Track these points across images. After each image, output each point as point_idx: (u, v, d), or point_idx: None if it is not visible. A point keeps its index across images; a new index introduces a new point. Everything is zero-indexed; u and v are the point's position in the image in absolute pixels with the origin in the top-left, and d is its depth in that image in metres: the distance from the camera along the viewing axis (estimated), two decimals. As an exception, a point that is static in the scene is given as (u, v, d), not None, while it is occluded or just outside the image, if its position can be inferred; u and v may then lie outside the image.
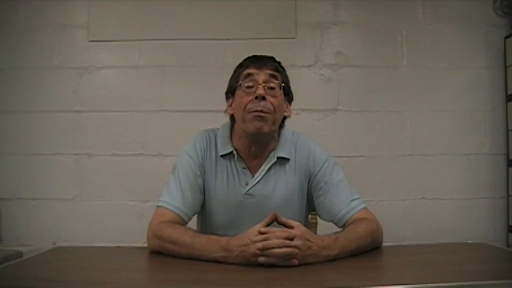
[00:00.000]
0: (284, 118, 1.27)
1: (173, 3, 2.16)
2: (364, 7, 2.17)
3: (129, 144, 2.11)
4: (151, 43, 2.15)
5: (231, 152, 1.23)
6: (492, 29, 2.17)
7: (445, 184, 2.12)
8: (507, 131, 2.11)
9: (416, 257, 1.07)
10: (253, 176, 1.23)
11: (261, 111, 1.15)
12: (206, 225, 1.28)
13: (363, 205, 1.23)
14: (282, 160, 1.24)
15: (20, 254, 1.74)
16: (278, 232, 0.97)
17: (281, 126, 1.27)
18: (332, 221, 1.24)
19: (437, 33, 2.17)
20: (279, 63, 1.27)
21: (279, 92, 1.21)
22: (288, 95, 1.26)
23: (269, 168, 1.23)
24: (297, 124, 2.08)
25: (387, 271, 0.92)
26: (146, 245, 1.16)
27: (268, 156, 1.24)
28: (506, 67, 2.12)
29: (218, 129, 1.31)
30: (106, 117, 2.12)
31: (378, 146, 2.13)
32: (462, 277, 0.85)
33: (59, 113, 2.12)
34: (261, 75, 1.19)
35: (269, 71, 1.20)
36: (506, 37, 2.11)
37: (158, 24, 2.15)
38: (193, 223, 1.27)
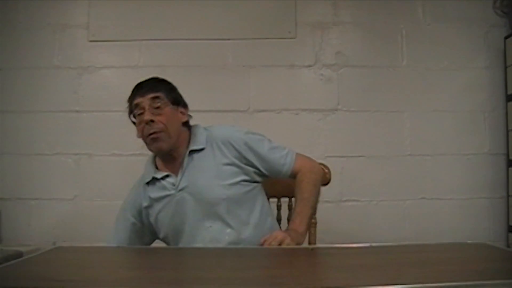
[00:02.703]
0: (186, 122, 1.42)
1: (173, 3, 2.16)
2: (364, 7, 2.17)
3: (129, 144, 2.10)
4: (151, 43, 2.15)
5: (153, 177, 1.38)
6: (492, 29, 2.17)
7: (445, 184, 2.12)
8: (507, 131, 2.11)
9: (416, 256, 1.06)
10: (176, 177, 1.36)
11: (154, 132, 1.31)
12: (168, 241, 1.41)
13: (294, 155, 1.42)
14: (196, 152, 1.37)
15: (20, 254, 1.73)
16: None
17: (189, 127, 1.43)
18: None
19: (437, 33, 2.17)
20: (161, 80, 1.41)
21: (166, 108, 1.35)
22: (178, 103, 1.40)
23: (187, 163, 1.35)
24: (297, 124, 2.11)
25: (387, 271, 0.92)
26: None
27: (183, 155, 1.37)
28: (506, 67, 2.12)
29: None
30: (106, 117, 2.12)
31: (378, 146, 2.13)
32: (462, 277, 0.85)
33: (59, 113, 2.12)
34: (145, 101, 1.33)
35: (151, 95, 1.34)
36: (506, 37, 2.11)
37: (158, 24, 2.15)
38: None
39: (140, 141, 2.11)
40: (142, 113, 1.33)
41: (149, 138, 1.33)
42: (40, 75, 2.14)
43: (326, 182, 1.56)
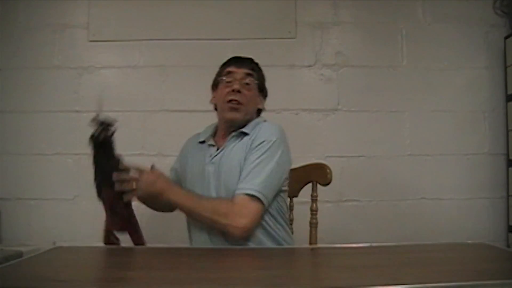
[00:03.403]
0: (260, 111, 1.48)
1: (173, 3, 2.15)
2: (364, 7, 2.17)
3: (129, 144, 2.10)
4: (151, 43, 2.15)
5: (203, 140, 1.47)
6: (492, 29, 2.17)
7: (445, 184, 2.12)
8: (507, 131, 2.11)
9: (416, 256, 1.07)
10: (218, 148, 1.41)
11: (236, 101, 1.37)
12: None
13: (248, 192, 1.24)
14: (241, 134, 1.39)
15: (20, 254, 1.73)
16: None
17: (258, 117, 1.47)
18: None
19: (437, 33, 2.17)
20: (256, 64, 1.48)
21: (254, 87, 1.42)
22: (262, 91, 1.47)
23: (229, 141, 1.40)
24: (297, 124, 2.11)
25: (387, 271, 0.92)
26: (145, 245, 1.17)
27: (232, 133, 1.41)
28: (506, 67, 2.12)
29: None
30: (106, 117, 2.12)
31: (378, 146, 2.13)
32: (462, 277, 0.85)
33: (59, 113, 2.12)
34: (239, 73, 1.42)
35: (246, 70, 1.42)
36: (506, 37, 2.11)
37: (158, 24, 2.15)
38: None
39: (140, 141, 2.13)
40: (231, 81, 1.40)
41: (230, 104, 1.38)
42: (40, 75, 2.14)
43: (326, 182, 1.56)
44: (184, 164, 1.50)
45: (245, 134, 1.39)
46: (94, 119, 1.25)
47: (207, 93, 2.09)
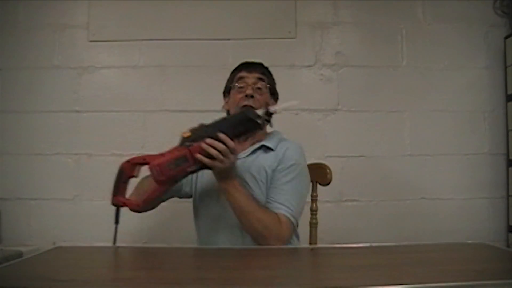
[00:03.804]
0: (271, 114, 1.41)
1: (173, 3, 2.16)
2: (364, 7, 2.17)
3: (129, 144, 2.11)
4: (151, 43, 2.15)
5: None
6: (492, 29, 2.17)
7: (445, 184, 2.12)
8: (507, 131, 2.11)
9: (416, 256, 1.06)
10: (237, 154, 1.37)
11: (250, 106, 1.35)
12: (196, 208, 1.44)
13: (290, 214, 1.30)
14: (264, 147, 1.41)
15: (20, 254, 1.73)
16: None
17: (268, 121, 1.41)
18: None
19: (437, 33, 2.17)
20: (267, 68, 1.51)
21: (266, 91, 1.45)
22: (273, 95, 1.50)
23: (253, 152, 1.41)
24: (297, 124, 2.11)
25: (387, 271, 0.92)
26: (146, 245, 1.17)
27: (253, 144, 1.42)
28: (506, 67, 2.12)
29: None
30: (106, 117, 2.12)
31: (378, 146, 2.13)
32: (462, 276, 0.85)
33: (59, 113, 2.12)
34: (251, 78, 1.43)
35: (257, 75, 1.45)
36: (506, 37, 2.11)
37: (158, 24, 2.15)
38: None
39: (140, 141, 2.13)
40: (243, 87, 1.42)
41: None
42: (40, 75, 2.14)
43: (326, 182, 1.57)
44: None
45: (269, 148, 1.41)
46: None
47: (207, 93, 2.11)
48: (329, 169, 1.59)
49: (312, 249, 1.22)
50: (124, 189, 1.26)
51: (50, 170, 2.10)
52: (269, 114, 1.24)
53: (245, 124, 1.20)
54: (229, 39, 2.14)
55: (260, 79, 1.44)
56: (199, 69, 2.14)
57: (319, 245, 1.51)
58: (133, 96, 2.13)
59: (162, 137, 2.10)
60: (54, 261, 1.05)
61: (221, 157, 1.17)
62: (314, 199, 1.59)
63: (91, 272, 0.93)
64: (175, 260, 1.11)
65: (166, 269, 0.99)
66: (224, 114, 1.48)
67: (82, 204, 2.09)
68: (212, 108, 2.05)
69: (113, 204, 1.27)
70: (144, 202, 1.25)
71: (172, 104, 2.13)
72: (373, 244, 1.20)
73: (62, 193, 2.09)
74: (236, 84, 1.44)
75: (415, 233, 2.06)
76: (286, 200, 1.31)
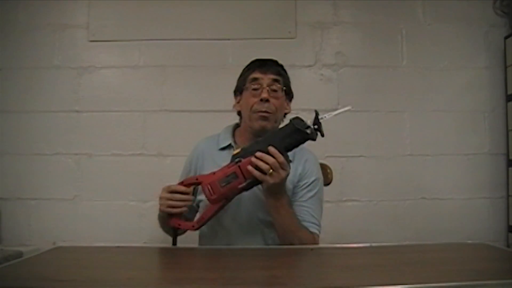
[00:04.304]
0: (285, 114, 1.43)
1: (173, 3, 2.15)
2: (364, 7, 2.17)
3: (129, 144, 2.11)
4: (151, 43, 2.15)
5: (230, 144, 1.39)
6: (492, 29, 2.17)
7: (445, 184, 2.12)
8: (507, 131, 2.11)
9: (416, 256, 1.07)
10: None
11: (265, 111, 1.32)
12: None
13: (318, 232, 1.33)
14: None
15: (20, 254, 1.74)
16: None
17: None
18: None
19: (437, 33, 2.17)
20: (281, 66, 1.43)
21: (281, 94, 1.37)
22: (288, 95, 1.43)
23: None
24: (297, 124, 2.10)
25: (387, 271, 0.92)
26: (146, 244, 1.17)
27: None
28: (506, 67, 2.12)
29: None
30: (106, 117, 2.12)
31: (378, 146, 2.13)
32: (462, 276, 0.85)
33: (59, 113, 2.12)
34: (266, 79, 1.35)
35: (272, 76, 1.36)
36: (506, 37, 2.11)
37: (158, 24, 2.15)
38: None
39: (140, 141, 2.13)
40: (258, 89, 1.35)
41: (258, 114, 1.33)
42: (40, 75, 2.14)
43: (327, 182, 1.56)
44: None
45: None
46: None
47: (207, 93, 2.11)
48: (330, 169, 1.59)
49: (312, 249, 1.22)
50: (178, 216, 1.26)
51: (50, 170, 2.10)
52: (319, 123, 1.23)
53: (295, 136, 1.18)
54: (229, 39, 2.14)
55: (276, 80, 1.37)
56: (199, 69, 2.14)
57: (319, 245, 1.50)
58: (133, 96, 2.13)
59: (162, 137, 2.11)
60: (54, 261, 1.05)
61: (271, 171, 1.14)
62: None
63: (91, 272, 0.93)
64: (175, 260, 1.11)
65: (166, 269, 0.99)
66: (234, 113, 1.47)
67: (82, 204, 2.09)
68: (212, 108, 2.07)
69: (170, 227, 1.28)
70: (198, 222, 1.25)
71: (172, 104, 2.13)
72: (373, 244, 1.20)
73: (62, 193, 2.09)
74: (250, 85, 1.36)
75: (415, 233, 2.06)
76: (313, 217, 1.33)
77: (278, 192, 1.21)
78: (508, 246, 2.04)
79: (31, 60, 2.14)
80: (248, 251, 1.22)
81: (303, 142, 1.21)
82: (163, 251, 1.26)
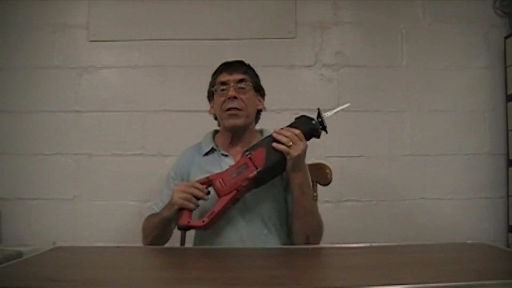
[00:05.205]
0: (260, 111, 1.47)
1: (173, 3, 2.16)
2: (364, 7, 2.17)
3: (129, 144, 2.11)
4: (151, 43, 2.15)
5: (212, 148, 1.43)
6: (492, 29, 2.17)
7: (445, 184, 2.12)
8: (507, 131, 2.11)
9: (416, 256, 1.07)
10: (234, 160, 1.36)
11: (235, 108, 1.36)
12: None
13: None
14: None
15: (20, 254, 1.73)
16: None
17: (258, 117, 1.48)
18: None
19: (437, 33, 2.17)
20: (248, 65, 1.47)
21: (249, 89, 1.40)
22: (259, 91, 1.46)
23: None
24: (297, 124, 2.10)
25: (387, 271, 0.92)
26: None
27: (250, 143, 1.37)
28: (506, 67, 2.12)
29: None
30: (106, 117, 2.12)
31: (378, 146, 2.13)
32: (462, 276, 0.85)
33: (59, 113, 2.12)
34: (232, 80, 1.39)
35: (239, 76, 1.40)
36: (506, 37, 2.11)
37: (158, 24, 2.15)
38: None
39: (140, 141, 2.13)
40: (225, 89, 1.38)
41: (228, 112, 1.37)
42: (40, 75, 2.14)
43: (326, 182, 1.56)
44: (187, 178, 1.41)
45: None
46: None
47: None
48: (329, 169, 1.59)
49: (312, 249, 1.22)
50: (188, 213, 1.25)
51: (50, 170, 2.10)
52: (322, 121, 1.30)
53: (303, 126, 1.26)
54: (229, 39, 2.14)
55: (242, 80, 1.40)
56: (199, 69, 2.13)
57: (319, 245, 1.50)
58: (133, 96, 2.13)
59: (162, 137, 2.11)
60: (54, 261, 1.05)
61: (291, 143, 1.20)
62: (314, 199, 1.59)
63: (91, 272, 0.93)
64: (175, 260, 1.11)
65: (166, 269, 0.99)
66: (211, 118, 1.49)
67: (82, 204, 2.09)
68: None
69: (179, 228, 1.26)
70: (208, 217, 1.24)
71: (172, 104, 2.13)
72: (373, 244, 1.20)
73: (62, 193, 2.09)
74: (218, 87, 1.41)
75: (415, 233, 2.06)
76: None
77: (302, 168, 1.26)
78: (508, 246, 2.04)
79: (31, 60, 2.14)
80: (248, 251, 1.22)
81: (308, 137, 1.27)
82: (163, 251, 1.26)
